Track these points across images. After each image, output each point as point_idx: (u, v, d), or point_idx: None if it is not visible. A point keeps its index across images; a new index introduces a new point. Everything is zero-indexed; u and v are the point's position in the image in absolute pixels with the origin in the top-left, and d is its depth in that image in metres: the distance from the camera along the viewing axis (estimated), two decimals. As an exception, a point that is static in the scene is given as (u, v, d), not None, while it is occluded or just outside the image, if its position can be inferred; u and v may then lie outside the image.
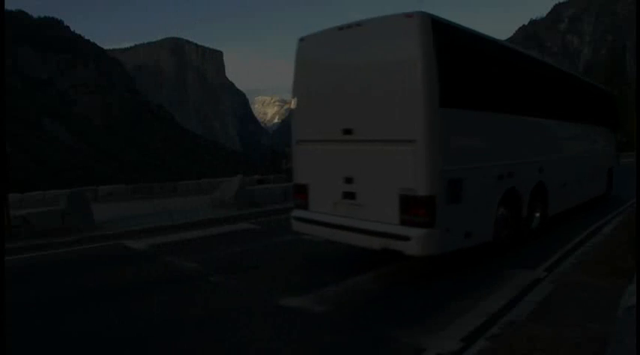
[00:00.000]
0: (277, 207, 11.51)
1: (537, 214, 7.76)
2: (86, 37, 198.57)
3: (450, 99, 5.21)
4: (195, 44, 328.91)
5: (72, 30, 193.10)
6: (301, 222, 6.38)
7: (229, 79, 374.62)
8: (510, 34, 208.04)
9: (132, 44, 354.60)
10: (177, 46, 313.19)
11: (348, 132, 5.68)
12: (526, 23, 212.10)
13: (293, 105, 6.59)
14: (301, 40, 6.44)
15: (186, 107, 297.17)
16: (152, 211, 10.98)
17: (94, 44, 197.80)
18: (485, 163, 6.02)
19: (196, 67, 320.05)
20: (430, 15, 5.13)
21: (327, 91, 6.05)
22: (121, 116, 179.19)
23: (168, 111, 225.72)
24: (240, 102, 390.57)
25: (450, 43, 5.41)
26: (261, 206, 11.50)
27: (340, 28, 5.89)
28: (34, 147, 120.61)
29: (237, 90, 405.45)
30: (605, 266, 5.34)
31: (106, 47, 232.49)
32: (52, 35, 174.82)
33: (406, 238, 5.06)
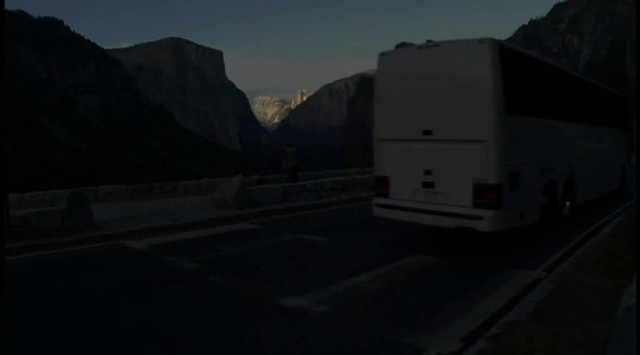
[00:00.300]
0: (277, 207, 11.53)
1: (568, 203, 8.90)
2: (86, 37, 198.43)
3: (512, 108, 6.37)
4: (195, 44, 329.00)
5: (72, 30, 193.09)
6: (383, 208, 7.51)
7: (229, 79, 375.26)
8: (510, 34, 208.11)
9: (132, 44, 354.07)
10: (177, 46, 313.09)
11: (428, 132, 6.82)
12: (526, 23, 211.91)
13: (375, 109, 7.66)
14: (382, 54, 7.56)
15: (186, 107, 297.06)
16: (152, 211, 10.99)
17: (94, 44, 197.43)
18: (534, 159, 7.23)
19: (196, 67, 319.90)
20: (498, 41, 6.39)
21: (408, 98, 7.16)
22: (121, 116, 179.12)
23: (168, 111, 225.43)
24: (240, 102, 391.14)
25: (511, 63, 6.57)
26: (261, 206, 11.50)
27: (420, 48, 7.16)
28: (34, 147, 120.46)
29: (237, 90, 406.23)
30: (605, 267, 5.36)
31: (106, 47, 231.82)
32: (52, 35, 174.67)
33: (479, 217, 6.25)
